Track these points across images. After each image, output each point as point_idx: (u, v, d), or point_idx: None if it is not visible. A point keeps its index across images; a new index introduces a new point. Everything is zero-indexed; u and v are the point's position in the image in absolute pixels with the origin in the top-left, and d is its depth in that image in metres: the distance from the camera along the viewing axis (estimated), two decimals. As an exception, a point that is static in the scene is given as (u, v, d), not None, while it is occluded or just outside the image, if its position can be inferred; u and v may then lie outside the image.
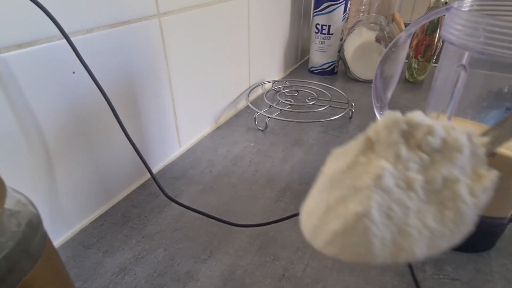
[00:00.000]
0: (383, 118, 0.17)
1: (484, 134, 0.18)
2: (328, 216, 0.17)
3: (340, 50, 0.77)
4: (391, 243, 0.16)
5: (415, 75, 0.74)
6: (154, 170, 0.46)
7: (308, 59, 0.83)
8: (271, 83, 0.72)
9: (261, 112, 0.57)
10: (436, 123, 0.17)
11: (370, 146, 0.17)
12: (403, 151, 0.16)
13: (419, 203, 0.16)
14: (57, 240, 0.35)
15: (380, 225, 0.16)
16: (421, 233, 0.16)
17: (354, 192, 0.16)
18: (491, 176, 0.17)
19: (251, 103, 0.62)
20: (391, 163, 0.16)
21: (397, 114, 0.16)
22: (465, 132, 0.17)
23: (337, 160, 0.18)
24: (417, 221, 0.16)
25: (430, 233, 0.16)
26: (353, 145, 0.18)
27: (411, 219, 0.16)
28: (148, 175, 0.45)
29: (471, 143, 0.17)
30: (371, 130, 0.17)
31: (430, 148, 0.16)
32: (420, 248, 0.16)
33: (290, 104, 0.62)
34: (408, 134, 0.16)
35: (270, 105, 0.60)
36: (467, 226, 0.17)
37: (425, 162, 0.16)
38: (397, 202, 0.16)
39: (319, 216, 0.17)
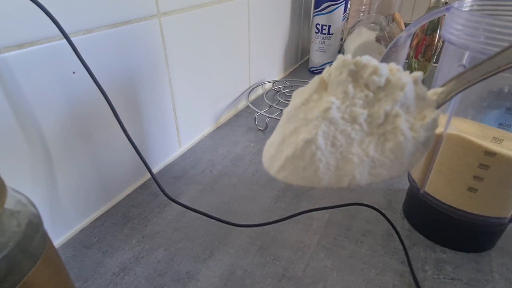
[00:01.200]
0: (336, 60, 0.19)
1: (442, 85, 0.20)
2: (282, 145, 0.19)
3: (340, 50, 0.77)
4: (334, 168, 0.18)
5: (415, 75, 0.73)
6: (155, 170, 0.46)
7: (308, 59, 0.83)
8: (271, 83, 0.72)
9: (261, 112, 0.57)
10: (382, 64, 0.18)
11: (324, 86, 0.19)
12: (350, 88, 0.18)
13: (362, 134, 0.18)
14: (57, 240, 0.35)
15: (325, 151, 0.18)
16: (363, 160, 0.18)
17: (305, 123, 0.18)
18: (432, 115, 0.19)
19: (251, 103, 0.62)
20: (340, 99, 0.18)
21: (347, 56, 0.18)
22: (411, 75, 0.19)
23: (295, 99, 0.20)
24: (359, 149, 0.18)
25: (371, 161, 0.18)
26: (309, 85, 0.19)
27: (354, 147, 0.18)
28: (149, 175, 0.45)
29: (416, 86, 0.19)
30: (325, 71, 0.19)
31: (375, 86, 0.18)
32: (360, 174, 0.18)
33: (290, 104, 0.62)
34: (357, 74, 0.18)
35: (270, 105, 0.60)
36: (407, 159, 0.18)
37: (370, 99, 0.18)
38: (342, 132, 0.18)
39: (276, 146, 0.19)
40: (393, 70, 0.19)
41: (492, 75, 0.18)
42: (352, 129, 0.18)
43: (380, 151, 0.18)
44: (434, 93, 0.20)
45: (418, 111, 0.19)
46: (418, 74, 0.19)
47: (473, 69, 0.18)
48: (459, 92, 0.19)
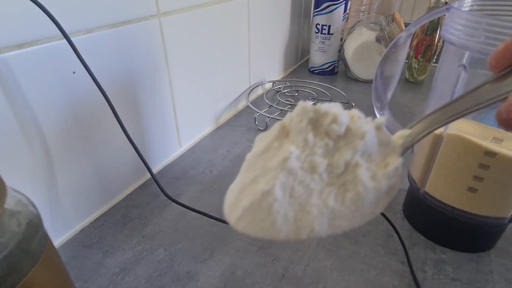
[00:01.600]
0: (296, 107, 0.18)
1: (410, 127, 0.19)
2: (241, 194, 0.18)
3: (340, 50, 0.77)
4: (293, 220, 0.17)
5: (415, 75, 0.74)
6: (155, 170, 0.46)
7: (308, 59, 0.83)
8: (271, 83, 0.72)
9: (261, 112, 0.57)
10: (343, 112, 0.18)
11: (285, 133, 0.19)
12: (310, 136, 0.18)
13: (322, 185, 0.18)
14: (57, 240, 0.35)
15: (283, 203, 0.17)
16: (322, 212, 0.17)
17: (264, 173, 0.18)
18: (395, 163, 0.18)
19: (251, 103, 0.62)
20: (300, 147, 0.18)
21: (307, 104, 0.18)
22: (373, 122, 0.19)
23: (257, 145, 0.20)
24: (319, 200, 0.17)
25: (331, 212, 0.17)
26: (271, 131, 0.19)
27: (313, 198, 0.17)
28: (149, 175, 0.45)
29: (379, 132, 0.19)
30: (287, 118, 0.19)
31: (335, 134, 0.18)
32: (320, 226, 0.17)
33: (290, 104, 0.62)
34: (317, 122, 0.18)
35: (270, 105, 0.60)
36: (369, 209, 0.18)
37: (330, 148, 0.18)
38: (301, 183, 0.17)
39: (235, 194, 0.19)
40: (354, 118, 0.18)
41: (461, 116, 0.18)
42: (312, 179, 0.17)
43: (340, 201, 0.18)
44: (401, 136, 0.19)
45: (381, 157, 0.19)
46: (381, 120, 0.19)
47: (441, 110, 0.18)
48: (427, 134, 0.19)
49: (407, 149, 0.19)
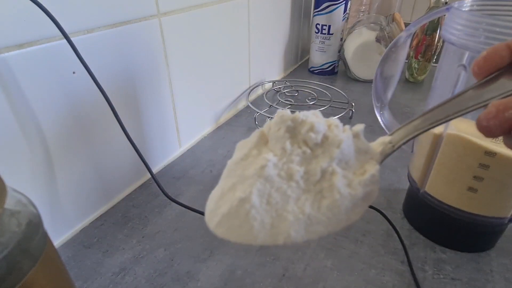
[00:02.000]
0: (275, 115, 0.19)
1: (391, 134, 0.20)
2: (221, 201, 0.19)
3: (340, 50, 0.77)
4: (269, 226, 0.18)
5: (415, 75, 0.74)
6: (155, 170, 0.46)
7: (308, 59, 0.83)
8: (271, 83, 0.72)
9: (261, 112, 0.57)
10: (321, 121, 0.18)
11: (264, 140, 0.19)
12: (288, 145, 0.18)
13: (298, 192, 0.18)
14: (57, 240, 0.35)
15: (259, 209, 0.17)
16: (298, 218, 0.18)
17: (242, 180, 0.18)
18: (371, 170, 0.19)
19: (251, 103, 0.62)
20: (277, 155, 0.18)
21: (285, 112, 0.18)
22: (351, 130, 0.19)
23: (238, 152, 0.20)
24: (295, 207, 0.18)
25: (307, 218, 0.18)
26: (250, 138, 0.19)
27: (289, 205, 0.18)
28: (149, 175, 0.45)
29: (358, 139, 0.19)
30: (266, 126, 0.19)
31: (312, 143, 0.18)
32: (296, 232, 0.18)
33: (290, 104, 0.62)
34: (295, 130, 0.18)
35: (270, 105, 0.60)
36: (345, 215, 0.18)
37: (307, 155, 0.18)
38: (278, 190, 0.18)
39: (215, 201, 0.19)
40: (331, 126, 0.18)
41: (442, 123, 0.18)
42: (289, 187, 0.18)
43: (317, 208, 0.18)
44: (381, 143, 0.20)
45: (359, 165, 0.19)
46: (359, 127, 0.19)
47: (422, 117, 0.18)
48: (407, 141, 0.19)
49: (387, 156, 0.20)
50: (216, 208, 0.19)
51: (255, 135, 0.19)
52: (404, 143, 0.19)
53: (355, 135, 0.19)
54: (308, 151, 0.18)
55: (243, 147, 0.20)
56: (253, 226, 0.17)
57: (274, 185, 0.18)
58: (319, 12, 0.72)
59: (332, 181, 0.18)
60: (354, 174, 0.19)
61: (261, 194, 0.18)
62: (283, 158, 0.18)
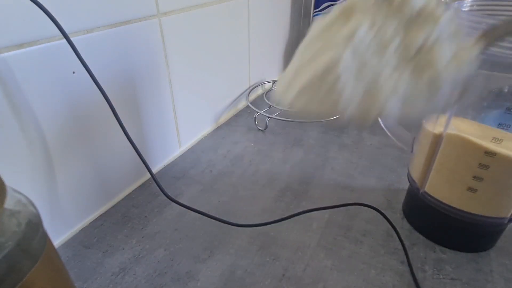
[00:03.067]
0: None
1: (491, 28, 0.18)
2: (298, 74, 0.17)
3: (340, 50, 0.77)
4: (361, 97, 0.16)
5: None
6: (154, 170, 0.46)
7: (308, 59, 0.83)
8: (271, 83, 0.72)
9: (261, 112, 0.57)
10: None
11: (347, 14, 0.17)
12: (380, 14, 0.16)
13: (393, 63, 0.16)
14: (57, 240, 0.35)
15: (350, 78, 0.15)
16: (395, 90, 0.16)
17: (325, 50, 0.16)
18: (474, 50, 0.17)
19: (251, 103, 0.62)
20: (368, 25, 0.16)
21: None
22: (448, 10, 0.17)
23: (314, 28, 0.18)
24: (391, 79, 0.16)
25: (404, 91, 0.16)
26: (330, 13, 0.18)
27: (383, 77, 0.16)
28: (148, 175, 0.45)
29: (452, 23, 0.17)
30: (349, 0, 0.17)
31: (408, 13, 0.16)
32: (392, 105, 0.16)
33: (290, 104, 0.62)
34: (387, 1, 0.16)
35: (270, 105, 0.60)
36: (446, 91, 0.16)
37: (401, 27, 0.16)
38: (370, 60, 0.16)
39: (291, 75, 0.17)
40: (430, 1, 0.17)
41: None
42: (382, 57, 0.16)
43: (415, 82, 0.16)
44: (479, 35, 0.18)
45: (455, 46, 0.17)
46: (455, 10, 0.17)
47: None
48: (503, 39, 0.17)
49: (490, 45, 0.17)
50: (292, 81, 0.17)
51: (337, 8, 0.17)
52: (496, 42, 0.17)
53: (451, 19, 0.17)
54: (403, 22, 0.16)
55: (321, 22, 0.18)
56: (341, 96, 0.15)
57: (366, 54, 0.16)
58: (319, 12, 0.72)
59: (432, 54, 0.16)
60: (453, 53, 0.17)
61: (351, 62, 0.15)
62: (374, 28, 0.16)
